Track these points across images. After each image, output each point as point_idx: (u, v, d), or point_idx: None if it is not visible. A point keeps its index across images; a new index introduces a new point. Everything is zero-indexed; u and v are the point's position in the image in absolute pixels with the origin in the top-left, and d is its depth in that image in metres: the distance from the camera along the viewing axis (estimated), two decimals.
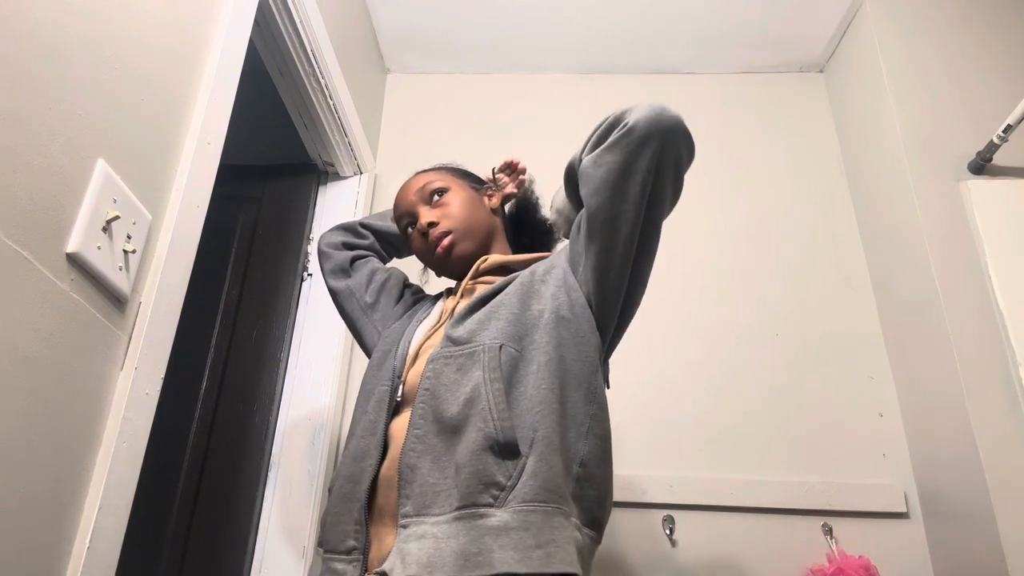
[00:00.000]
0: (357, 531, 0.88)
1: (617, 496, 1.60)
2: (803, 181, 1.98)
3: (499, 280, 1.02)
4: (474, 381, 0.86)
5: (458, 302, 1.04)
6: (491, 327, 0.92)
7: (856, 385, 1.72)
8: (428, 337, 1.02)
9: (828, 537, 1.54)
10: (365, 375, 1.06)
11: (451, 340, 0.94)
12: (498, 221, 1.18)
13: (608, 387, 1.03)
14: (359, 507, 0.89)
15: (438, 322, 1.05)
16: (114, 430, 0.84)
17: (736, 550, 1.55)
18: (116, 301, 0.86)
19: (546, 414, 0.84)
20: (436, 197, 1.13)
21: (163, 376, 0.95)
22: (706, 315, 1.81)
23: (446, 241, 1.08)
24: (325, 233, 1.32)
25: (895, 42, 1.83)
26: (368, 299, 1.21)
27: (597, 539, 0.88)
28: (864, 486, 1.60)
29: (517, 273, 1.03)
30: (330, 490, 0.97)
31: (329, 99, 1.67)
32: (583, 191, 0.93)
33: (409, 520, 0.82)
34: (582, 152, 0.96)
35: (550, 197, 1.15)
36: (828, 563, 1.49)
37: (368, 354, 1.15)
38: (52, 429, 0.76)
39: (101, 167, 0.83)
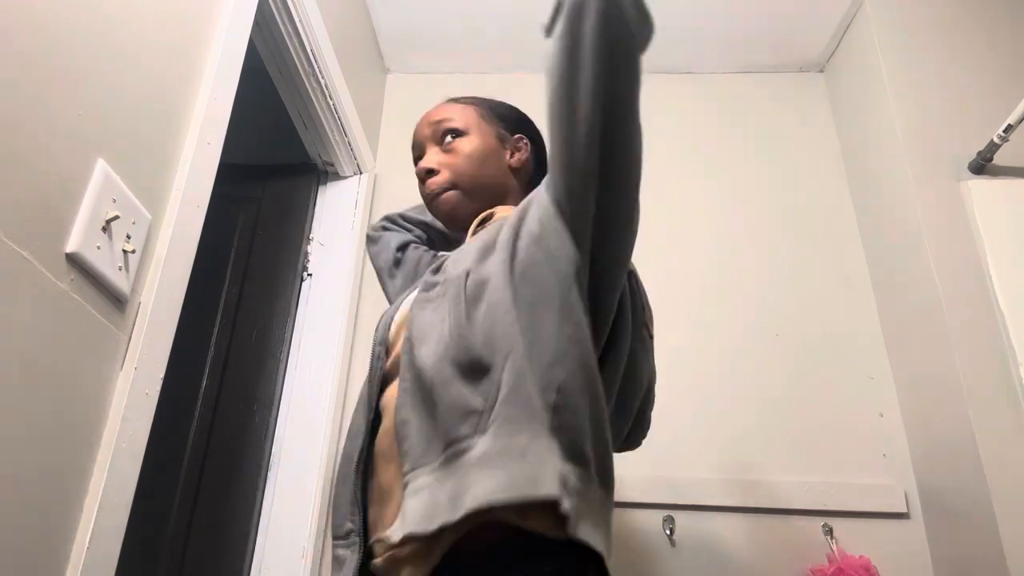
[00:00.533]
0: (352, 512, 0.83)
1: (617, 496, 1.60)
2: (803, 181, 1.98)
3: None
4: (443, 316, 0.81)
5: None
6: (464, 260, 0.86)
7: (856, 385, 1.72)
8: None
9: (828, 537, 1.54)
10: None
11: (427, 287, 0.88)
12: (514, 181, 1.05)
13: (651, 337, 0.95)
14: (352, 486, 0.83)
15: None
16: (114, 430, 0.84)
17: (736, 550, 1.55)
18: (116, 301, 0.86)
19: (511, 324, 0.76)
20: (448, 139, 1.02)
21: (163, 376, 0.95)
22: (706, 315, 1.81)
23: (443, 197, 1.00)
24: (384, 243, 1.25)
25: (895, 42, 1.83)
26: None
27: (587, 479, 0.73)
28: (864, 486, 1.60)
29: None
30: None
31: (329, 99, 1.67)
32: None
33: (408, 476, 0.75)
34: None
35: None
36: (828, 563, 1.49)
37: None
38: (52, 429, 0.75)
39: (101, 167, 0.83)
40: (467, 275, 0.82)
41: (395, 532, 0.72)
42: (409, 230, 1.25)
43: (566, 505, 0.68)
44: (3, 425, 0.69)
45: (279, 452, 1.59)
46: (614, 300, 0.87)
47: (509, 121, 1.09)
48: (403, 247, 1.21)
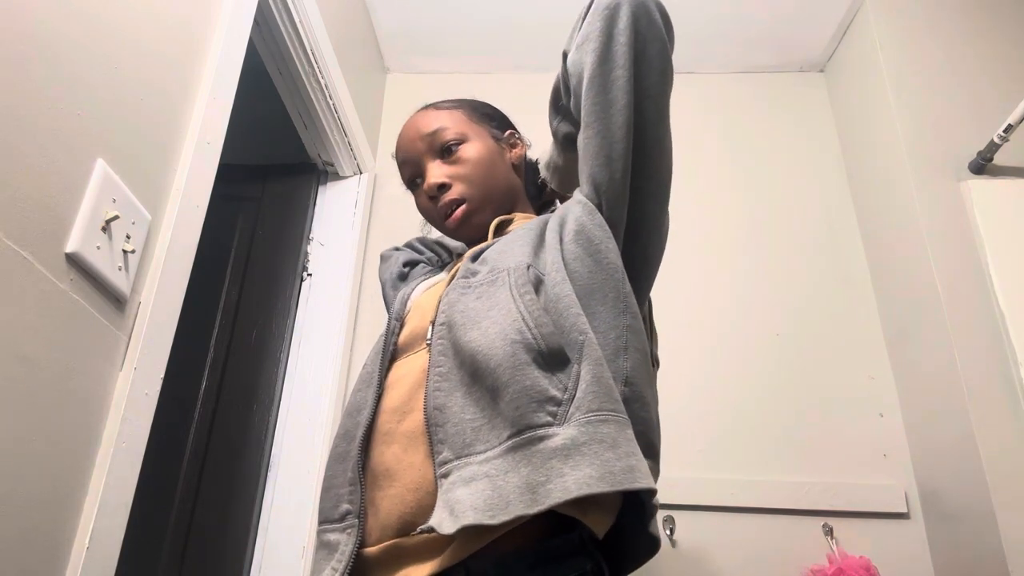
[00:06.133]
0: (351, 491, 0.77)
1: None
2: (803, 181, 1.98)
3: None
4: (500, 303, 0.77)
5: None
6: (514, 253, 0.83)
7: (856, 385, 1.72)
8: (434, 286, 0.94)
9: (829, 537, 1.54)
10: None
11: (467, 274, 0.85)
12: (518, 180, 1.04)
13: (657, 364, 0.93)
14: (353, 464, 0.78)
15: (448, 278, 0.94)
16: (114, 430, 0.84)
17: (736, 550, 1.55)
18: (115, 301, 0.86)
19: (578, 315, 0.74)
20: (450, 149, 0.98)
21: (163, 376, 0.95)
22: (706, 315, 1.81)
23: (459, 212, 0.96)
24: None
25: (895, 42, 1.83)
26: None
27: (656, 472, 0.76)
28: (864, 486, 1.60)
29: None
30: None
31: (329, 99, 1.67)
32: (573, 82, 0.87)
33: (450, 465, 0.69)
34: (564, 60, 0.92)
35: None
36: (829, 563, 1.49)
37: None
38: (52, 429, 0.75)
39: (100, 167, 0.83)
40: (528, 267, 0.80)
41: (443, 524, 0.65)
42: (421, 252, 1.21)
43: (656, 499, 0.68)
44: (3, 425, 0.69)
45: (279, 452, 1.59)
46: (643, 304, 0.86)
47: (496, 119, 1.07)
48: (411, 263, 1.18)
